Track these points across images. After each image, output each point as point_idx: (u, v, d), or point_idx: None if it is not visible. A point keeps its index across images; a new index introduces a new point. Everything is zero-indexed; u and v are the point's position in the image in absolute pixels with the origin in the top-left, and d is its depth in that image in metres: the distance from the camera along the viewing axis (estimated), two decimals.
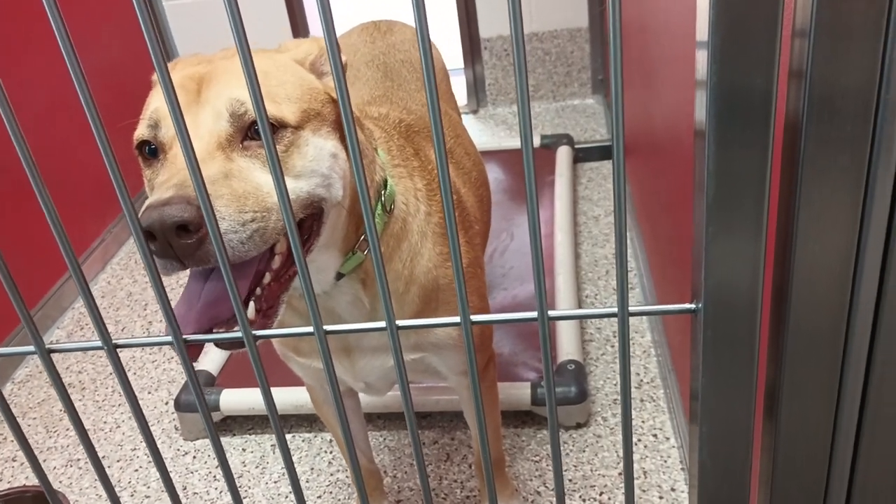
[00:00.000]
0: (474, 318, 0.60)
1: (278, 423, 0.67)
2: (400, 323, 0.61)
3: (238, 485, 1.52)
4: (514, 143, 2.60)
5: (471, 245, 1.04)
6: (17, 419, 1.75)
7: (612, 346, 1.71)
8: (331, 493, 1.46)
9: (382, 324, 0.60)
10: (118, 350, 0.63)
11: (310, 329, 0.61)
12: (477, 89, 2.95)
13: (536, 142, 2.52)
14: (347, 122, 0.50)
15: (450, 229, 0.55)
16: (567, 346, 1.59)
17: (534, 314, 0.59)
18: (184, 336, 0.62)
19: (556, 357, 1.59)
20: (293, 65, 0.80)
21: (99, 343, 0.63)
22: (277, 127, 0.73)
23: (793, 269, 0.52)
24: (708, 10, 0.44)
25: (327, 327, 0.61)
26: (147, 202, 0.66)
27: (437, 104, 0.50)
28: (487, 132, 2.81)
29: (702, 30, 0.46)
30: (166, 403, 1.77)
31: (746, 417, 0.59)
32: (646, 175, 1.79)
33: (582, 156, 2.52)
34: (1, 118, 0.51)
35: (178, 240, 0.63)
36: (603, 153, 2.54)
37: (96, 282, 2.30)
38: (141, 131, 0.76)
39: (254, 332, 0.61)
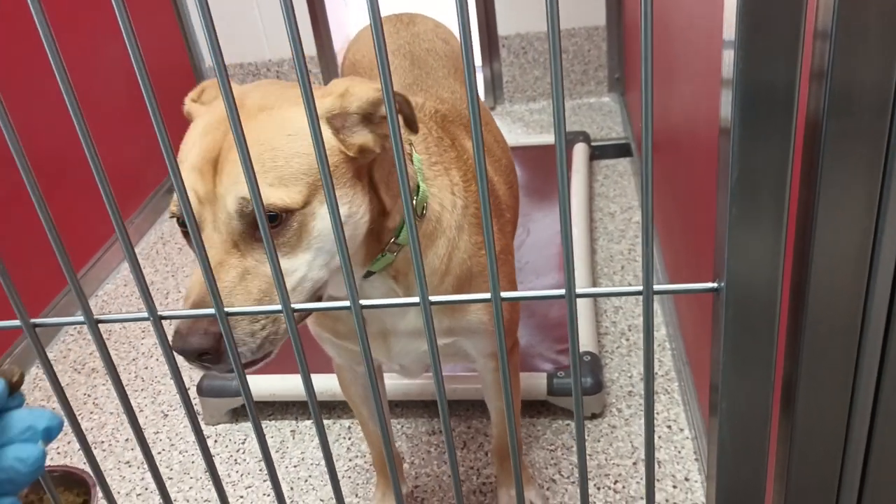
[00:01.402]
0: (504, 294, 0.62)
1: (316, 404, 0.70)
2: (432, 298, 0.63)
3: (258, 468, 1.55)
4: (532, 139, 2.62)
5: (503, 232, 1.07)
6: (41, 402, 1.77)
7: (628, 340, 1.73)
8: (349, 477, 1.49)
9: (416, 299, 0.63)
10: (162, 322, 0.66)
11: (346, 304, 0.63)
12: (494, 86, 2.97)
13: (552, 139, 2.54)
14: (400, 169, 0.53)
15: (485, 216, 0.58)
16: (583, 338, 1.61)
17: (561, 291, 0.61)
18: (225, 309, 0.65)
19: None
20: (306, 130, 0.79)
21: (146, 314, 0.66)
22: (286, 215, 0.74)
23: (811, 260, 0.54)
24: (735, 10, 0.47)
25: (363, 301, 0.63)
26: (175, 327, 0.73)
27: (478, 102, 0.53)
28: (504, 129, 2.82)
29: (729, 29, 0.49)
30: (188, 388, 1.80)
31: (765, 398, 0.61)
32: (661, 171, 1.81)
33: (598, 153, 2.54)
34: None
35: (200, 360, 0.71)
36: (619, 151, 2.56)
37: (118, 271, 2.34)
38: (173, 209, 0.78)
39: (292, 304, 0.64)
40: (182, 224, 0.78)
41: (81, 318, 0.67)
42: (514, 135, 2.78)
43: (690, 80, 1.36)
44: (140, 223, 2.51)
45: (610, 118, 2.78)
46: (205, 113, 0.79)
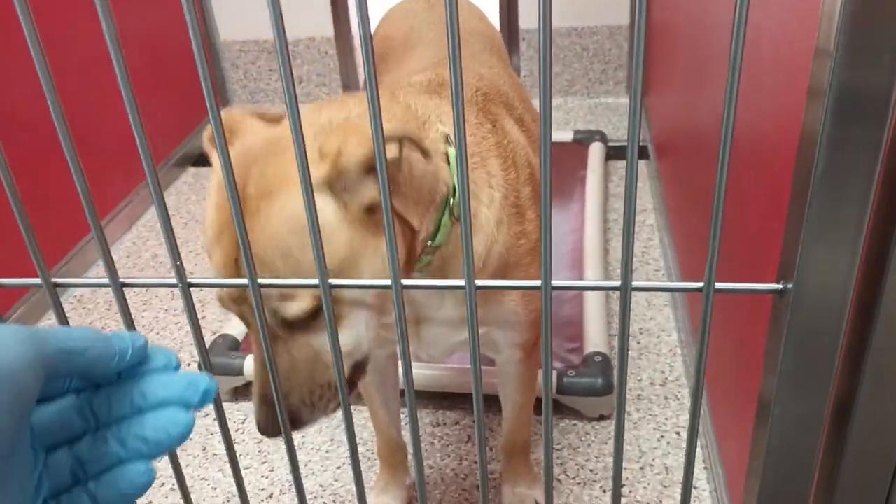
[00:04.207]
0: (555, 283, 0.60)
1: (345, 386, 0.67)
2: (478, 283, 0.61)
3: (257, 450, 1.52)
4: None
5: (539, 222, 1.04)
6: None
7: (639, 343, 1.71)
8: (351, 465, 1.46)
9: (461, 282, 0.60)
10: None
11: (387, 282, 0.60)
12: None
13: (569, 136, 2.52)
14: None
15: (544, 219, 0.55)
16: (594, 338, 1.59)
17: (617, 283, 0.59)
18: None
19: (582, 348, 1.58)
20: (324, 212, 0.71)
21: (174, 280, 0.62)
22: (313, 315, 0.73)
23: (887, 271, 0.52)
24: (835, 20, 0.46)
25: (405, 281, 0.60)
26: (257, 418, 0.78)
27: (550, 112, 0.49)
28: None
29: (825, 38, 0.48)
30: (188, 365, 1.77)
31: (820, 409, 0.58)
32: (686, 175, 1.78)
33: (613, 153, 2.51)
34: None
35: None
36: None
37: (121, 242, 2.31)
38: (218, 298, 0.78)
39: (330, 281, 0.61)
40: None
41: (106, 280, 0.64)
42: None
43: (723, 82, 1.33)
44: (148, 194, 2.48)
45: (626, 119, 2.74)
46: (215, 179, 0.76)
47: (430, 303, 0.94)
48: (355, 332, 0.78)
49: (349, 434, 0.69)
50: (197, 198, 2.53)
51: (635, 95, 0.49)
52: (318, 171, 0.70)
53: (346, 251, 0.72)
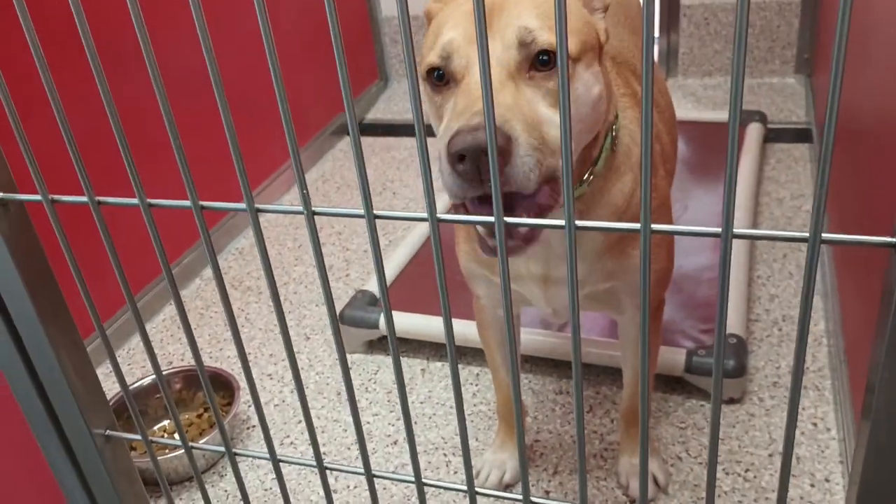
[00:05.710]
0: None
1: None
2: (579, 223, 0.62)
3: (387, 399, 1.60)
4: (700, 115, 2.50)
5: (665, 181, 1.03)
6: (201, 311, 1.91)
7: (780, 330, 1.63)
8: (472, 422, 1.51)
9: (637, 225, 0.60)
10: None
11: (561, 222, 0.62)
12: (669, 58, 2.85)
13: (724, 117, 2.41)
14: (646, 86, 0.51)
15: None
16: (730, 320, 1.53)
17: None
18: (439, 215, 0.66)
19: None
20: None
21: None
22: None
23: None
24: None
25: (579, 223, 0.61)
26: (456, 127, 0.69)
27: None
28: (674, 103, 2.71)
29: None
30: (316, 305, 1.89)
31: None
32: (847, 161, 1.67)
33: (773, 136, 2.38)
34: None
35: (485, 162, 0.67)
36: (797, 135, 2.39)
37: (280, 202, 2.48)
38: (432, 59, 0.78)
39: (505, 218, 0.63)
40: (431, 76, 0.78)
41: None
42: (684, 109, 2.66)
43: (886, 64, 1.24)
44: (311, 154, 2.65)
45: (792, 100, 2.59)
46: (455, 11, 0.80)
47: (560, 257, 0.94)
48: (576, 109, 0.78)
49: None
50: (350, 164, 2.66)
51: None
52: None
53: (579, 25, 0.79)
